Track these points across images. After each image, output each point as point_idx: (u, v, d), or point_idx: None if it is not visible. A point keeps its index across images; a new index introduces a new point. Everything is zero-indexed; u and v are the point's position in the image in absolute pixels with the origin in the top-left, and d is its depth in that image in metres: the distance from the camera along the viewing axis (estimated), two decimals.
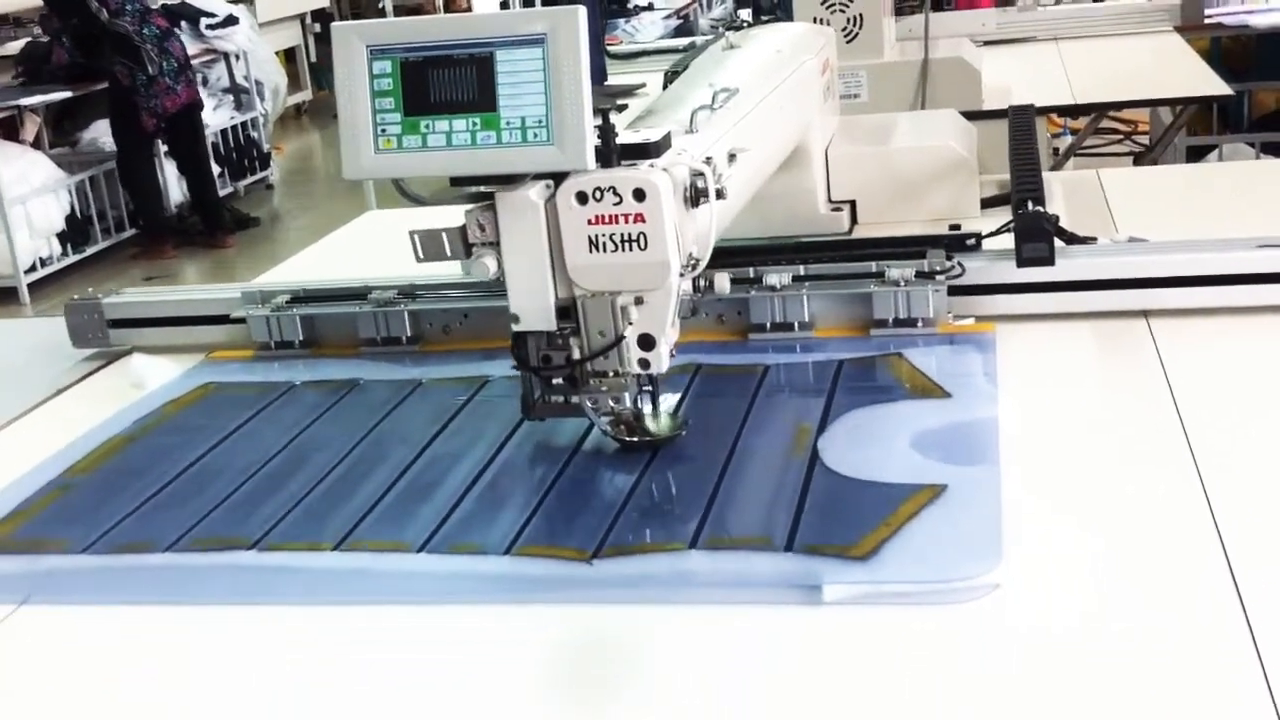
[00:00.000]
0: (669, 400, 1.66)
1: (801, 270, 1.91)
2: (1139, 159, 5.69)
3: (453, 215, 1.49)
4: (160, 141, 8.09)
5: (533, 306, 1.47)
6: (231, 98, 9.33)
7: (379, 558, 1.41)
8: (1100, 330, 1.79)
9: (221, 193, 8.73)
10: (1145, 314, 1.80)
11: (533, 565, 1.35)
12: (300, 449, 1.71)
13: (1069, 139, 5.67)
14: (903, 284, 1.85)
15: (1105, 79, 4.03)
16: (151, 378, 1.98)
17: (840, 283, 1.89)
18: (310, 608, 1.34)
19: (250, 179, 9.32)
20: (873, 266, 1.89)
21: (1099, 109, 4.14)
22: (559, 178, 1.43)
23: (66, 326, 2.15)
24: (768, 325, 1.89)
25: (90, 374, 2.08)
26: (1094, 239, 1.93)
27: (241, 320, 2.08)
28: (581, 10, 1.38)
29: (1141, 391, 1.61)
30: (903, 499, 1.39)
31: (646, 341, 1.47)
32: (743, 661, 1.17)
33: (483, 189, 1.46)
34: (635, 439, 1.55)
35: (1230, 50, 5.80)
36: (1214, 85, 3.78)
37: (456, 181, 1.46)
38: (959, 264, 1.86)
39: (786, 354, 1.84)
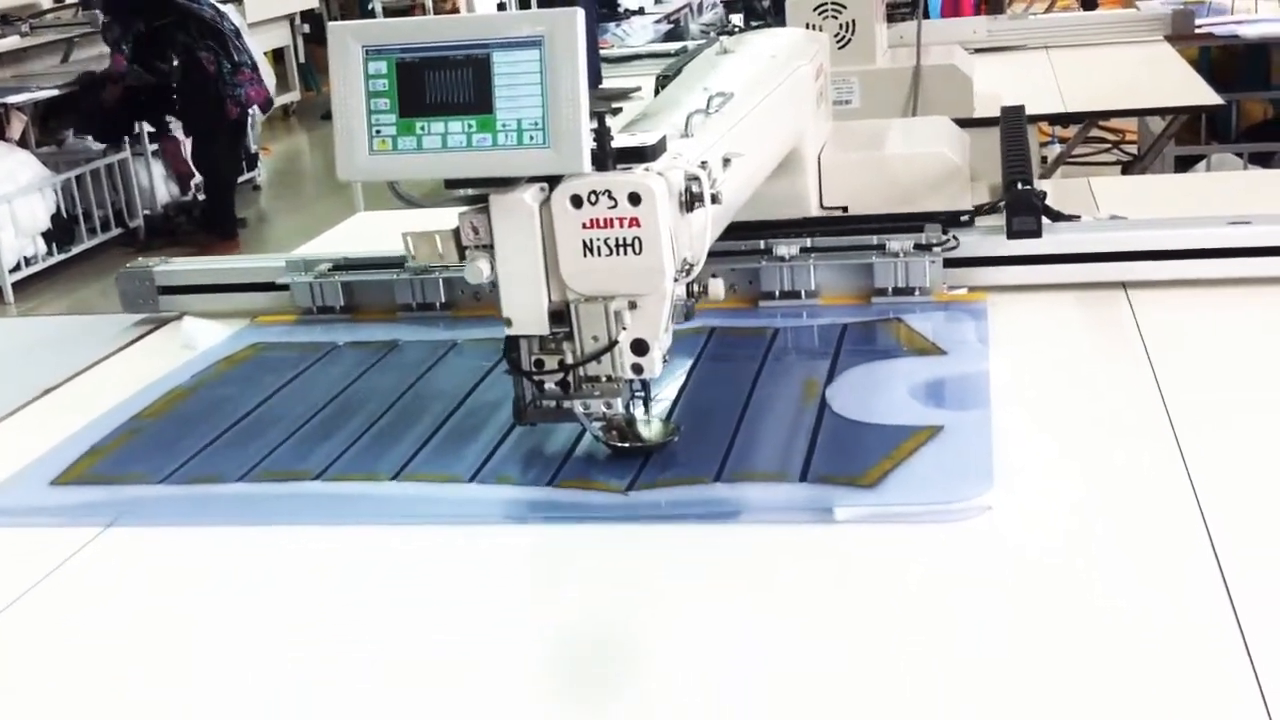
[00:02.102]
0: (662, 405, 1.65)
1: (808, 243, 2.05)
2: (1127, 168, 5.71)
3: (445, 217, 1.48)
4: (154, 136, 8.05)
5: (526, 310, 1.46)
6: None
7: (434, 487, 1.55)
8: (1083, 300, 1.95)
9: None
10: (1124, 285, 1.96)
11: (574, 495, 1.50)
12: (348, 400, 1.84)
13: (1058, 148, 5.68)
14: (901, 255, 1.99)
15: (1095, 88, 4.03)
16: (201, 340, 2.13)
17: (844, 254, 2.04)
18: (372, 528, 1.49)
19: (238, 180, 9.28)
20: (874, 239, 2.03)
21: (1089, 118, 4.14)
22: (554, 181, 1.42)
23: (119, 292, 2.30)
24: (776, 293, 2.04)
25: (141, 337, 2.22)
26: (1078, 216, 2.07)
27: (285, 287, 2.21)
28: (579, 13, 1.38)
29: (1120, 353, 1.77)
30: (904, 438, 1.54)
31: (640, 346, 1.47)
32: (763, 573, 1.33)
33: (477, 191, 1.45)
34: (627, 444, 1.55)
35: (1219, 61, 5.81)
36: (1204, 95, 3.79)
37: (451, 184, 1.46)
38: (954, 237, 2.01)
39: (794, 319, 2.00)
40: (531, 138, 1.38)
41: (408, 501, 1.53)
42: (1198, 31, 4.96)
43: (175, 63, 7.60)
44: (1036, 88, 3.99)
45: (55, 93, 7.93)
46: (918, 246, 2.00)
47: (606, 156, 1.42)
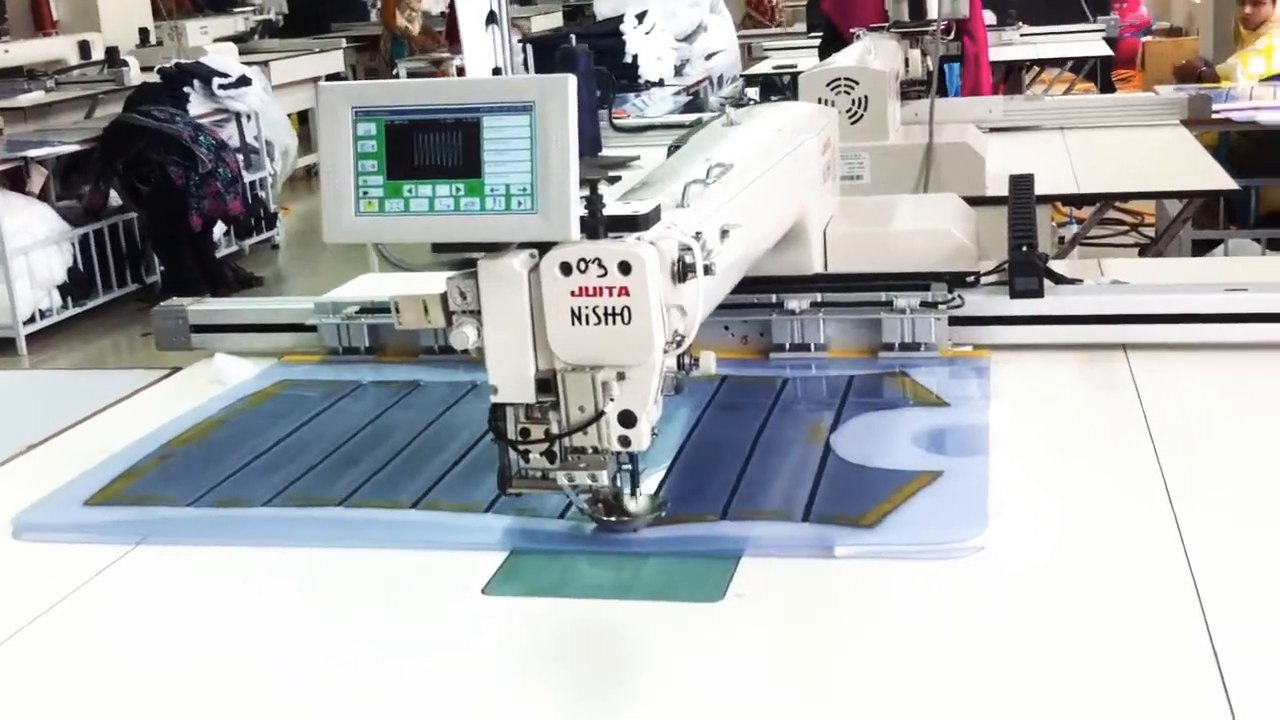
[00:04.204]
0: (651, 480, 1.62)
1: (819, 298, 2.12)
2: (1144, 251, 5.68)
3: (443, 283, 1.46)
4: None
5: (512, 378, 1.43)
6: (241, 157, 9.36)
7: (453, 515, 1.60)
8: (1084, 360, 2.01)
9: (226, 251, 8.72)
10: (1124, 347, 2.02)
11: (584, 528, 1.54)
12: (372, 433, 1.92)
13: (1075, 228, 5.66)
14: (908, 312, 2.06)
15: (1111, 169, 4.00)
16: (232, 375, 2.21)
17: (853, 309, 2.11)
18: (392, 551, 1.55)
19: (256, 238, 9.31)
20: (882, 296, 2.09)
21: (1104, 199, 4.11)
22: (544, 247, 1.40)
23: (154, 330, 2.41)
24: (787, 345, 2.11)
25: (171, 373, 2.31)
26: (1080, 280, 2.14)
27: (313, 328, 2.29)
28: (571, 79, 1.36)
29: (1118, 411, 1.83)
30: (904, 481, 1.60)
31: (627, 418, 1.43)
32: (765, 604, 1.39)
33: (466, 256, 1.43)
34: (613, 519, 1.51)
35: (1239, 146, 5.80)
36: (1220, 179, 3.75)
37: (439, 248, 1.43)
38: (959, 296, 2.07)
39: (803, 370, 2.06)
40: (520, 203, 1.36)
41: (426, 528, 1.59)
42: (1215, 117, 4.94)
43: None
44: (1051, 167, 3.96)
45: (76, 148, 7.97)
46: (924, 304, 2.06)
47: (598, 224, 1.40)
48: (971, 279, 2.12)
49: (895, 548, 1.45)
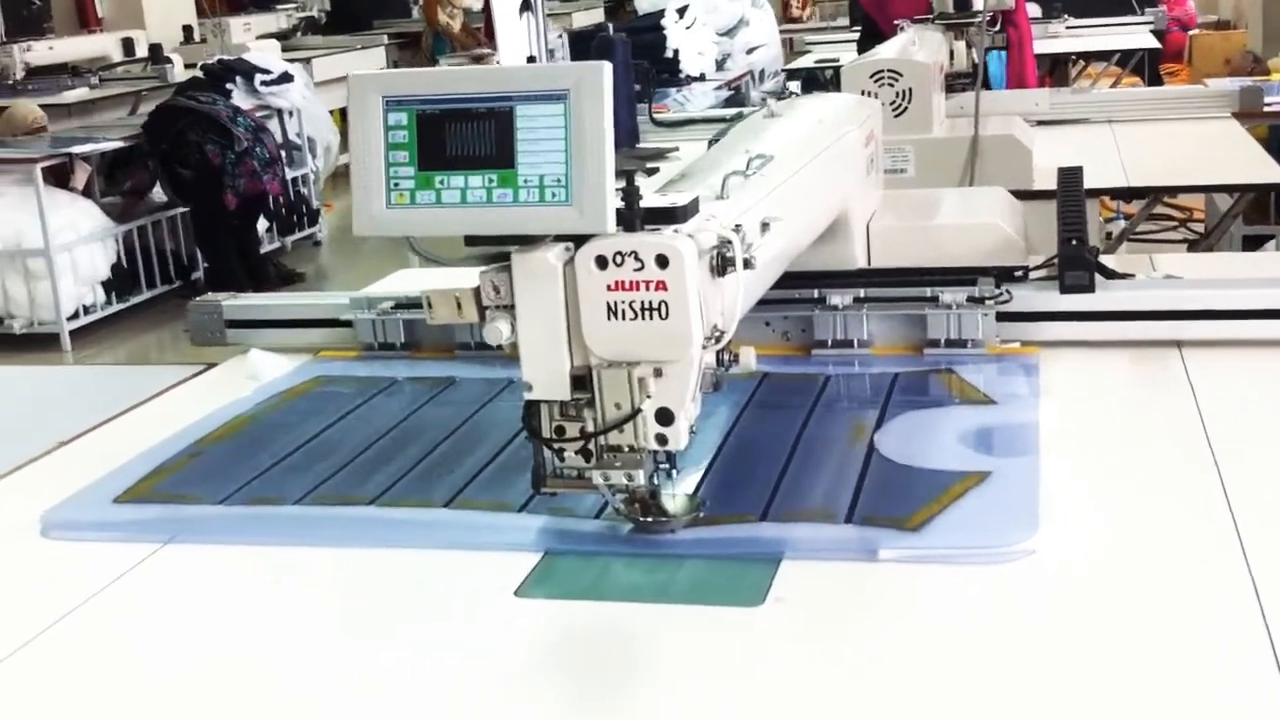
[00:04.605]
0: (689, 480, 1.58)
1: (862, 293, 2.05)
2: (1193, 246, 5.59)
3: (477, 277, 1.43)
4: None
5: (547, 374, 1.40)
6: (283, 154, 9.37)
7: (486, 515, 1.57)
8: (1136, 357, 1.95)
9: (269, 248, 8.73)
10: (1179, 344, 1.95)
11: (620, 529, 1.49)
12: (407, 430, 1.89)
13: (1122, 223, 5.58)
14: (955, 308, 1.99)
15: (1160, 163, 3.93)
16: (266, 371, 2.18)
17: (897, 305, 2.04)
18: (423, 552, 1.52)
19: (298, 235, 9.31)
20: (927, 291, 2.03)
21: (1153, 192, 4.04)
22: (579, 240, 1.36)
23: (189, 324, 2.38)
24: (829, 342, 2.05)
25: (204, 370, 2.29)
26: (1132, 275, 2.08)
27: (348, 324, 2.26)
28: (606, 67, 1.32)
29: (1172, 410, 1.76)
30: (951, 482, 1.55)
31: (665, 416, 1.39)
32: (806, 609, 1.34)
33: (500, 250, 1.39)
34: (650, 519, 1.48)
35: None
36: (1273, 172, 3.68)
37: (471, 241, 1.39)
38: (1007, 291, 2.00)
39: (846, 368, 2.01)
40: (554, 194, 1.32)
41: (459, 528, 1.56)
42: (1267, 110, 4.85)
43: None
44: (1099, 161, 3.89)
45: (120, 144, 7.99)
46: (971, 299, 2.00)
47: (634, 216, 1.36)
48: (1020, 274, 2.07)
49: (941, 551, 1.40)
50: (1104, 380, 1.89)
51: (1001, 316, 1.99)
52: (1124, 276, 2.07)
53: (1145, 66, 8.98)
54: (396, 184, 1.36)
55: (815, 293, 2.06)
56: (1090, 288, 1.99)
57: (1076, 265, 2.00)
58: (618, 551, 1.48)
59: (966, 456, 1.65)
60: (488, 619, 1.39)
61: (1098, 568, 1.37)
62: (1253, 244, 5.43)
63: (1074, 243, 2.02)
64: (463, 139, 1.34)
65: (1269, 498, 1.50)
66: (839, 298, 2.05)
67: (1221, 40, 11.06)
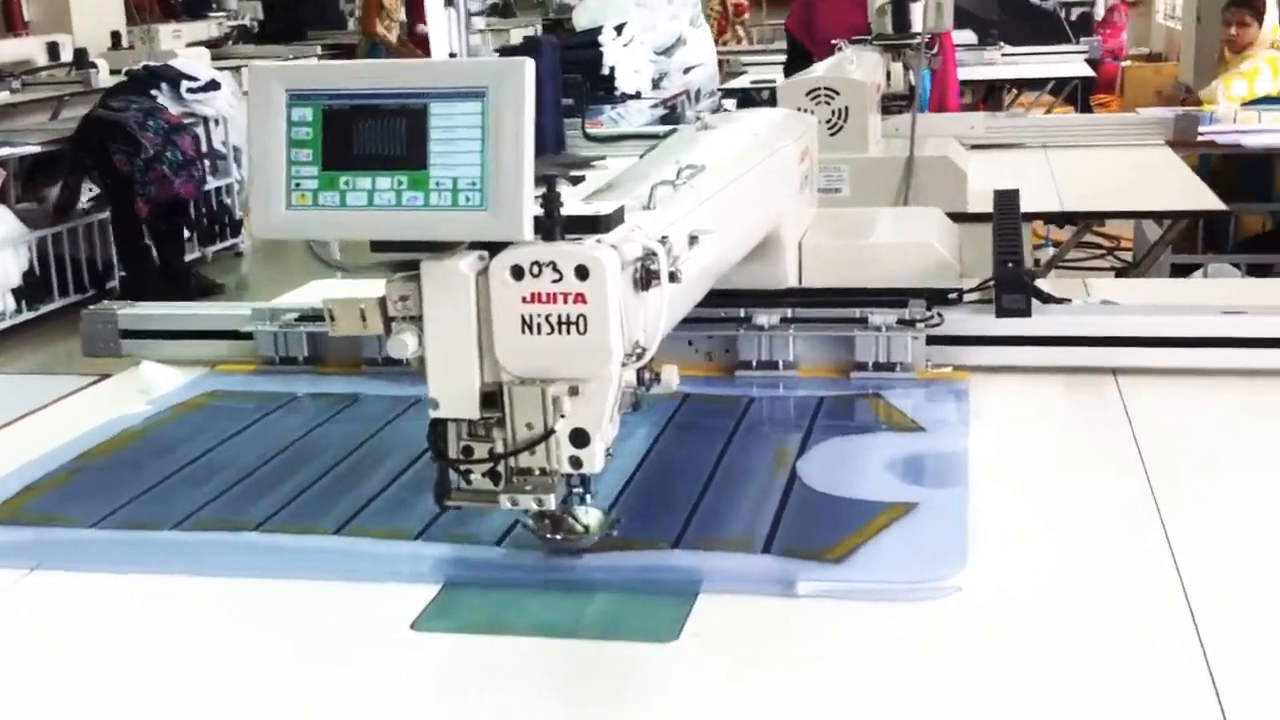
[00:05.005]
0: (605, 495, 1.50)
1: (789, 313, 1.99)
2: (1122, 274, 5.59)
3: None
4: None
5: (454, 391, 1.31)
6: (206, 162, 9.19)
7: (379, 543, 1.48)
8: (1071, 384, 1.89)
9: (189, 257, 8.55)
10: (1114, 371, 1.90)
11: (525, 557, 1.41)
12: (302, 450, 1.79)
13: (1052, 250, 5.56)
14: (884, 330, 1.93)
15: (1095, 188, 3.91)
16: (158, 385, 2.07)
17: (825, 326, 1.98)
18: (312, 582, 1.42)
19: (220, 245, 9.14)
20: (856, 313, 1.97)
21: (1087, 218, 4.02)
22: (494, 249, 1.27)
23: (81, 335, 2.26)
24: (754, 363, 1.98)
25: (98, 380, 2.15)
26: (1069, 300, 2.04)
27: (248, 336, 2.16)
28: (529, 63, 1.23)
29: (1107, 438, 1.71)
30: (876, 513, 1.49)
31: (580, 437, 1.31)
32: (723, 645, 1.27)
33: (409, 257, 1.30)
34: (560, 537, 1.39)
35: (1219, 171, 5.70)
36: (1207, 200, 3.67)
37: (377, 246, 1.30)
38: (938, 314, 1.95)
39: (770, 390, 1.93)
40: (468, 198, 1.23)
41: (350, 557, 1.46)
42: (1200, 139, 4.85)
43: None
44: (1034, 185, 3.85)
45: (37, 149, 7.80)
46: (901, 322, 1.94)
47: (554, 225, 1.27)
48: (954, 296, 2.01)
49: (864, 586, 1.34)
50: (1037, 407, 1.84)
51: (932, 340, 1.94)
52: (1060, 301, 2.02)
53: (1078, 96, 9.03)
54: (298, 184, 1.26)
55: (741, 312, 2.00)
56: (1027, 312, 1.94)
57: (1013, 288, 1.95)
58: (523, 581, 1.39)
59: (893, 486, 1.59)
60: (382, 654, 1.28)
61: (1027, 605, 1.31)
62: (1181, 272, 5.42)
63: (1010, 265, 1.96)
64: (371, 138, 1.25)
65: (1205, 527, 1.45)
66: (765, 317, 1.99)
67: (1153, 72, 11.18)
